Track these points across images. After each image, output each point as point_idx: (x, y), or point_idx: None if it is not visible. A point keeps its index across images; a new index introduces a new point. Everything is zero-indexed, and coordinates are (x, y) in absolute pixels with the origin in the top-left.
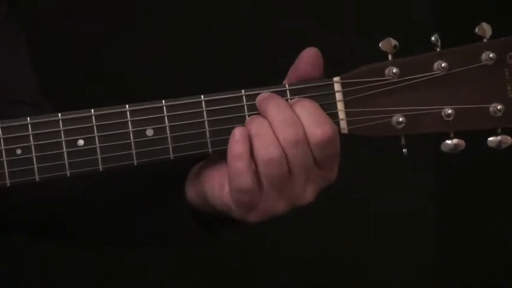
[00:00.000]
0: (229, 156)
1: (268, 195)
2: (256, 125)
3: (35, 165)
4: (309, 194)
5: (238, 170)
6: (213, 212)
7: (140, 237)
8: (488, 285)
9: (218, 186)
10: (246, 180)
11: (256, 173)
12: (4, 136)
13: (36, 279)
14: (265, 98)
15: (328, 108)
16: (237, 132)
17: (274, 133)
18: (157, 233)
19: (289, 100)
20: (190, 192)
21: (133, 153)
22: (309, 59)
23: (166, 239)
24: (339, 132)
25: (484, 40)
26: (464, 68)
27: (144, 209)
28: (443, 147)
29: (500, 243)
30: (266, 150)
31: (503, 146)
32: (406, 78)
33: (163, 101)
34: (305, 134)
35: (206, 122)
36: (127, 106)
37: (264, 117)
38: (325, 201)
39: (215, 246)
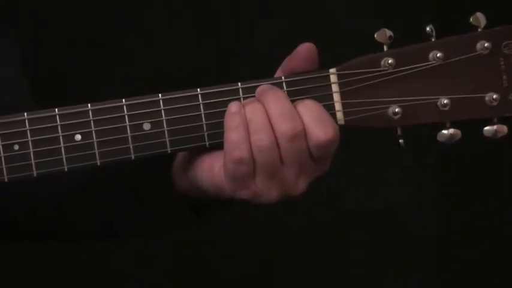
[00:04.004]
0: (226, 129)
1: (261, 180)
2: (250, 110)
3: (33, 161)
4: (301, 184)
5: (235, 141)
6: (202, 196)
7: (130, 227)
8: (488, 284)
9: (208, 168)
10: (243, 151)
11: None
12: (1, 132)
13: (36, 279)
14: (265, 89)
15: (325, 99)
16: (233, 106)
17: (270, 123)
18: (147, 221)
19: (285, 92)
20: (179, 177)
21: (131, 147)
22: (304, 54)
23: (156, 225)
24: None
25: (479, 30)
26: (459, 58)
27: (132, 197)
28: (439, 138)
29: (500, 242)
30: (257, 135)
31: (499, 135)
32: (402, 68)
33: (159, 95)
34: (303, 129)
35: (203, 115)
36: (123, 100)
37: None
38: (325, 199)
39: (214, 243)
